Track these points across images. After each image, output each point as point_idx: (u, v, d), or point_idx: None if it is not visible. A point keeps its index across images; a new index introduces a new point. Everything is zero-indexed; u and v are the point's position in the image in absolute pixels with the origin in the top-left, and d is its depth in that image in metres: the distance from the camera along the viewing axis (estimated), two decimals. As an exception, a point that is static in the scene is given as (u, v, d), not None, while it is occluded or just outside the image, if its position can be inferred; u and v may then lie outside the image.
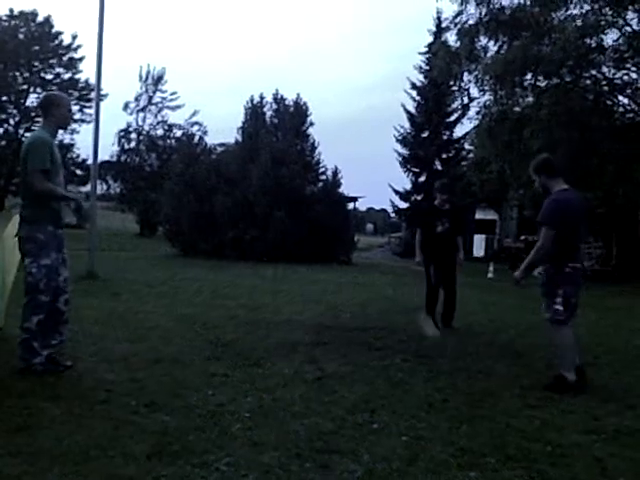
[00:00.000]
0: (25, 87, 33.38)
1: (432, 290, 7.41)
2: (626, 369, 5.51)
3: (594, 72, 17.13)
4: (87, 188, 14.97)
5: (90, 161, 13.48)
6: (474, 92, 19.21)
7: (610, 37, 16.57)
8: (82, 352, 5.10)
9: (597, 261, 19.54)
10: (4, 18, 32.92)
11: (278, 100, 22.72)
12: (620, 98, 17.40)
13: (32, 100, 33.94)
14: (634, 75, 16.99)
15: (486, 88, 18.19)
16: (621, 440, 3.56)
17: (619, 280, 16.68)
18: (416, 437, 3.48)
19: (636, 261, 17.64)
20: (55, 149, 4.52)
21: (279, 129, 22.25)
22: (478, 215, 28.58)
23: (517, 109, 18.07)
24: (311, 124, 22.61)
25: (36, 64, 33.25)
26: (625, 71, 17.04)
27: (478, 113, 19.49)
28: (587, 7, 16.45)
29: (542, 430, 3.68)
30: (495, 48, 18.09)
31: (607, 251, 19.72)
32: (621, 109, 17.53)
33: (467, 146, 27.97)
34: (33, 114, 33.94)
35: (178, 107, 38.51)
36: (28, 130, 34.03)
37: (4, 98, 32.75)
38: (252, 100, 22.60)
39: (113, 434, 3.29)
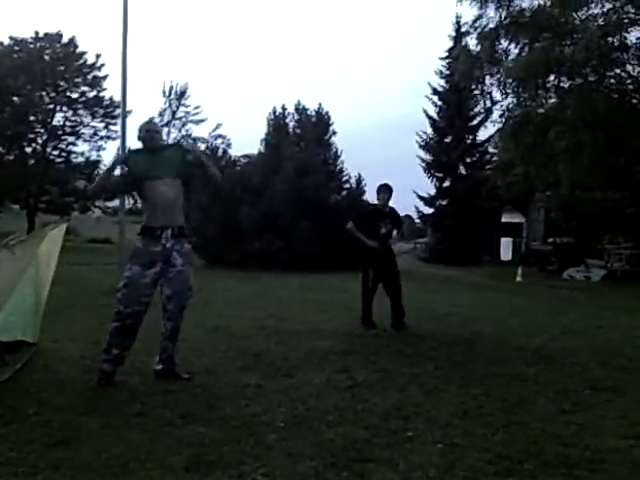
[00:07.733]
0: (52, 106, 33.92)
1: (369, 291, 7.61)
2: (663, 371, 5.41)
3: (618, 71, 16.91)
4: (115, 203, 15.12)
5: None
6: (496, 95, 19.05)
7: (634, 35, 16.38)
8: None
9: (627, 262, 19.23)
10: (30, 40, 33.61)
11: (300, 111, 22.81)
12: (646, 96, 17.16)
13: (59, 119, 34.55)
14: (659, 72, 16.77)
15: (508, 91, 18.05)
16: (661, 444, 3.49)
17: (651, 280, 16.37)
18: (451, 444, 3.46)
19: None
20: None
21: (302, 139, 22.35)
22: (504, 218, 28.26)
23: (541, 111, 17.92)
24: (334, 133, 22.62)
25: (62, 84, 33.80)
26: (650, 68, 16.81)
27: (501, 116, 19.35)
28: (608, 6, 16.24)
29: (579, 435, 3.63)
30: (516, 51, 17.95)
31: (637, 251, 19.39)
32: (647, 107, 17.27)
33: (491, 149, 27.79)
34: (60, 133, 34.49)
35: (202, 121, 39.06)
36: (55, 148, 34.60)
37: (32, 118, 33.34)
38: (274, 112, 22.73)
39: (150, 446, 3.33)
